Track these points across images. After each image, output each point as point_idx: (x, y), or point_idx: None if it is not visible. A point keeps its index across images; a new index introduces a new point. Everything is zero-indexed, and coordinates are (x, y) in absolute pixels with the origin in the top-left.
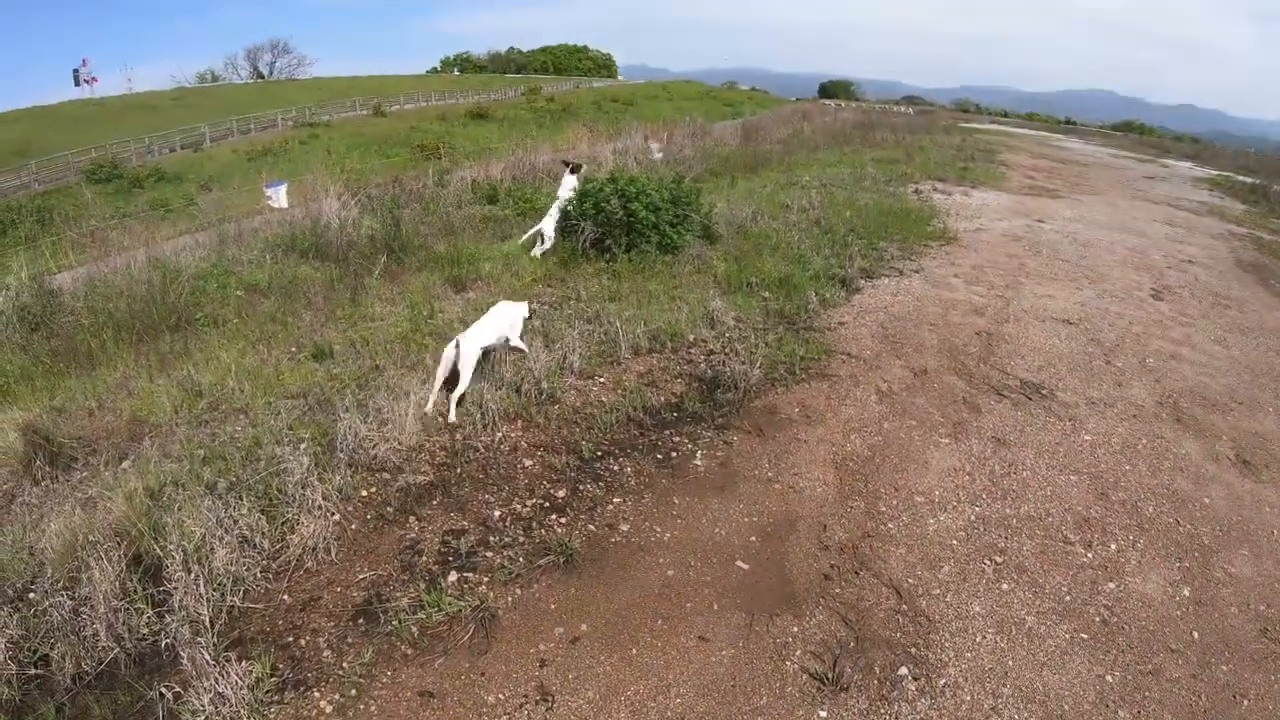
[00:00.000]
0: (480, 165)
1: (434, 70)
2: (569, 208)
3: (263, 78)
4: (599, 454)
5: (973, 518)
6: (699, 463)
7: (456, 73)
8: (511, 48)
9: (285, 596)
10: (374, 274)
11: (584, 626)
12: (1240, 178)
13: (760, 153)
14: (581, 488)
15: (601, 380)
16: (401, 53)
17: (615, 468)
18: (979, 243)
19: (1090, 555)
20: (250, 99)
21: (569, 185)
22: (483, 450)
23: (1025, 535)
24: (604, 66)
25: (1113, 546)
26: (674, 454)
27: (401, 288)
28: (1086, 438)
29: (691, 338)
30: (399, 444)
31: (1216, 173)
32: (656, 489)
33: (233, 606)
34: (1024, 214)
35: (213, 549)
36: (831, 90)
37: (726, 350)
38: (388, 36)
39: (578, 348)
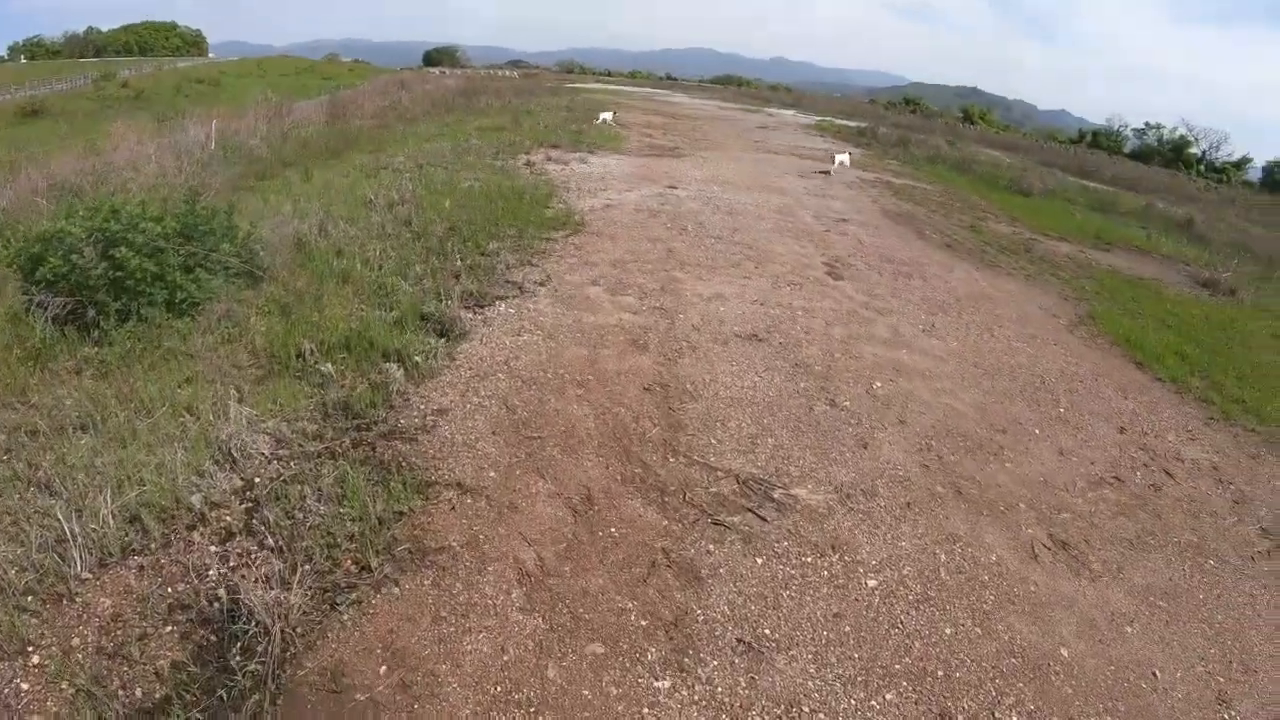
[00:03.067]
0: None
1: None
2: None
3: None
4: None
5: None
6: None
7: (24, 61)
8: (90, 28)
9: None
10: None
11: None
12: (841, 121)
13: (348, 131)
14: None
15: (35, 660)
16: None
17: None
18: (613, 225)
19: None
20: None
21: None
22: None
23: None
24: (194, 44)
25: None
26: None
27: None
28: (871, 584)
29: (197, 505)
30: None
31: (819, 119)
32: None
33: None
34: (652, 179)
35: None
36: (436, 58)
37: (251, 526)
38: None
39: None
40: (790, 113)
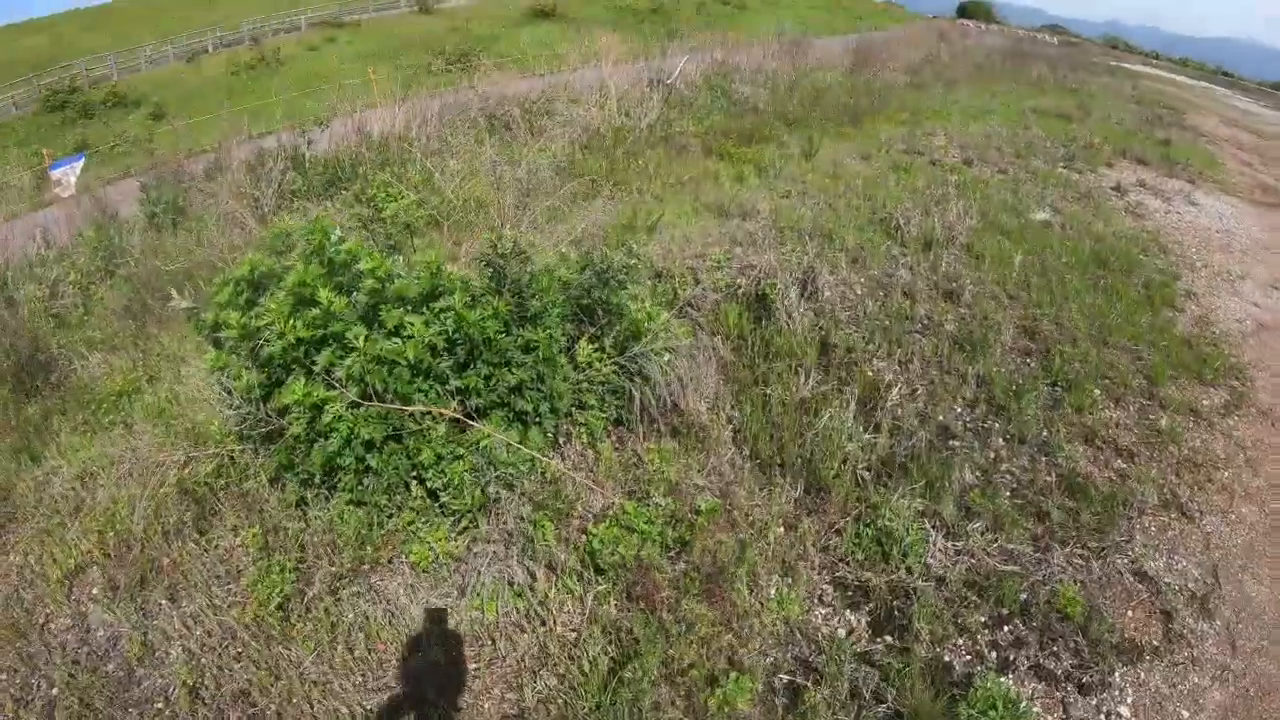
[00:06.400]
0: (395, 103)
1: None
2: None
3: None
4: None
5: None
6: None
7: None
8: None
9: None
10: None
11: None
12: None
13: (875, 88)
14: None
15: None
16: None
17: None
18: None
19: None
20: None
21: None
22: None
23: None
24: None
25: None
26: None
27: None
28: None
29: None
30: None
31: None
32: None
33: None
34: None
35: None
36: (971, 11)
37: None
38: None
39: None
40: None
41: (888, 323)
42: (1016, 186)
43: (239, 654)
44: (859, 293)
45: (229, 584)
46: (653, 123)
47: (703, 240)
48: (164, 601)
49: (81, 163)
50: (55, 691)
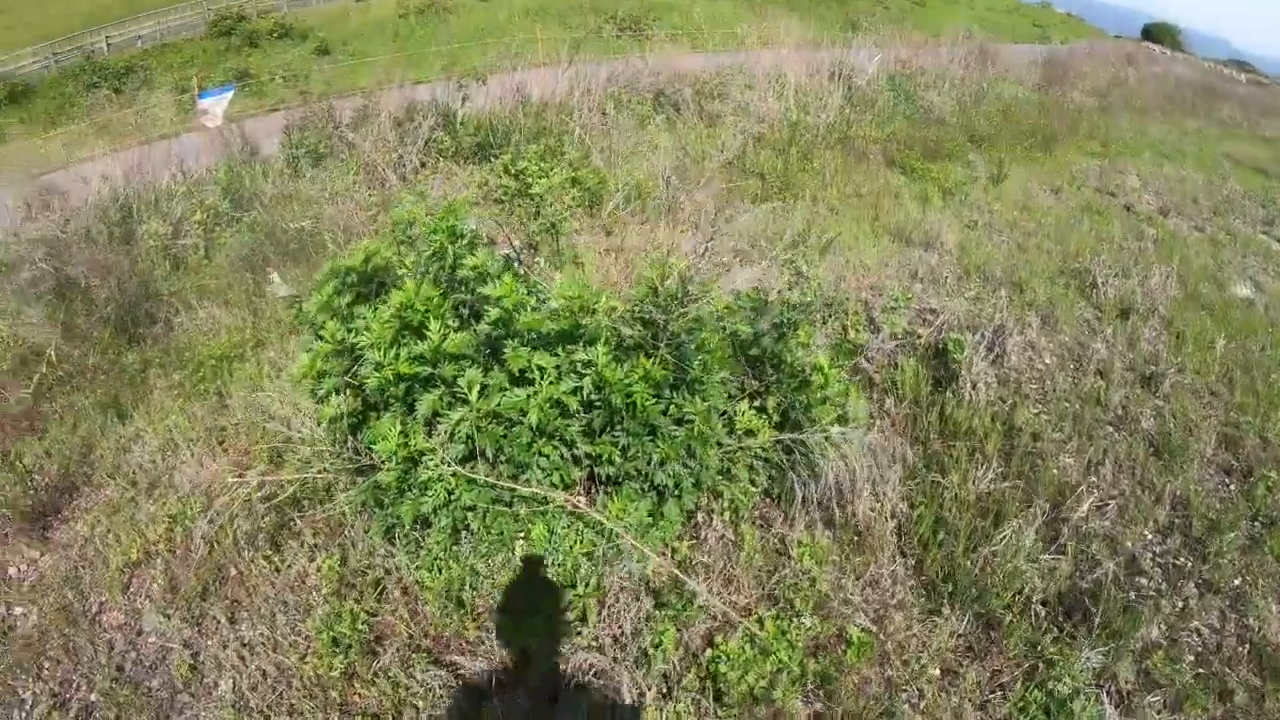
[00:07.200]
0: (553, 64)
1: None
2: None
3: None
4: None
5: None
6: None
7: None
8: None
9: None
10: None
11: None
12: None
13: (1065, 109)
14: None
15: None
16: None
17: None
18: None
19: None
20: None
21: None
22: None
23: None
24: None
25: None
26: None
27: None
28: None
29: None
30: None
31: None
32: None
33: None
34: None
35: None
36: (1156, 34)
37: None
38: None
39: None
40: None
41: (1078, 407)
42: (1216, 250)
43: (291, 708)
44: (1048, 362)
45: (295, 617)
46: (831, 122)
47: (879, 269)
48: (222, 619)
49: (230, 95)
50: (94, 698)
